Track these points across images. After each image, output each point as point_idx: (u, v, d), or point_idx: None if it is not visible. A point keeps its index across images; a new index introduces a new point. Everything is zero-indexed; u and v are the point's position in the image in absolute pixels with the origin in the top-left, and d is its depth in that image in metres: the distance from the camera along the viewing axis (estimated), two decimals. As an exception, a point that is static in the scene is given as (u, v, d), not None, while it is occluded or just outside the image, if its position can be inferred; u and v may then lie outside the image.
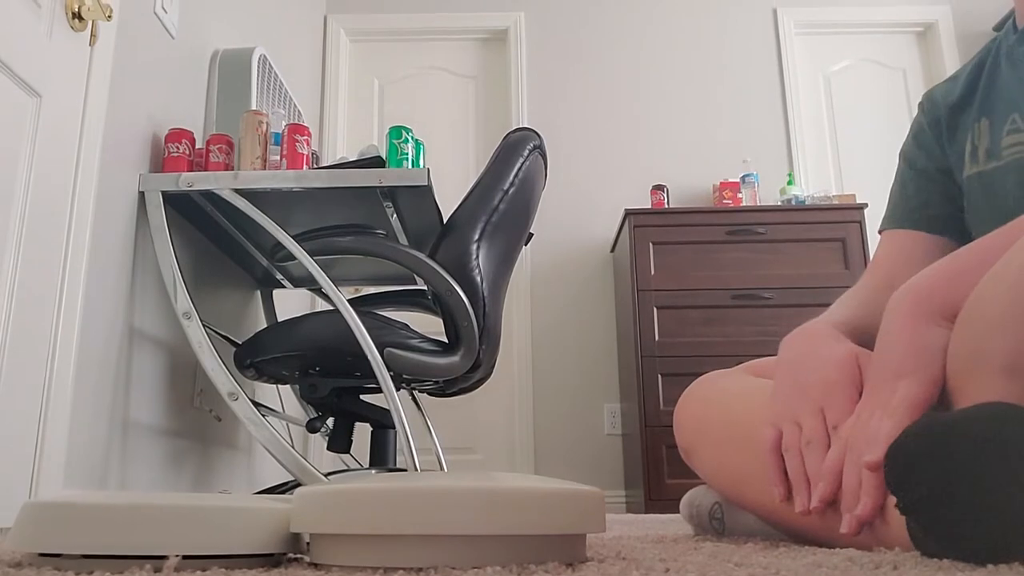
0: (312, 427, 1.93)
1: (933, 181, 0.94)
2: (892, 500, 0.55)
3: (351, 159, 1.90)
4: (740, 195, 3.40)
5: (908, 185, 0.97)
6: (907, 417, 0.58)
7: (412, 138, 1.90)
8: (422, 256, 1.74)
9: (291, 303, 2.95)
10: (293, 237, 1.76)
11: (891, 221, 0.98)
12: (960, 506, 0.44)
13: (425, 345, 1.77)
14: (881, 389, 0.63)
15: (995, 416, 0.45)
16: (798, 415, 0.69)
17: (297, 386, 2.20)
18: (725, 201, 3.39)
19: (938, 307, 0.62)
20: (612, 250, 3.57)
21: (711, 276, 3.04)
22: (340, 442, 1.96)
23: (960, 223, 0.91)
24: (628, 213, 3.14)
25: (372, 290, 2.70)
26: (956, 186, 0.92)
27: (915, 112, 1.01)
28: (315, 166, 1.98)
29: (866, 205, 3.13)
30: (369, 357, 1.67)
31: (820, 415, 0.68)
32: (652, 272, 3.05)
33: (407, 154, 1.88)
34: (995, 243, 0.62)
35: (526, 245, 2.15)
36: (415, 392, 2.24)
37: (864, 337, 0.79)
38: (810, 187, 3.65)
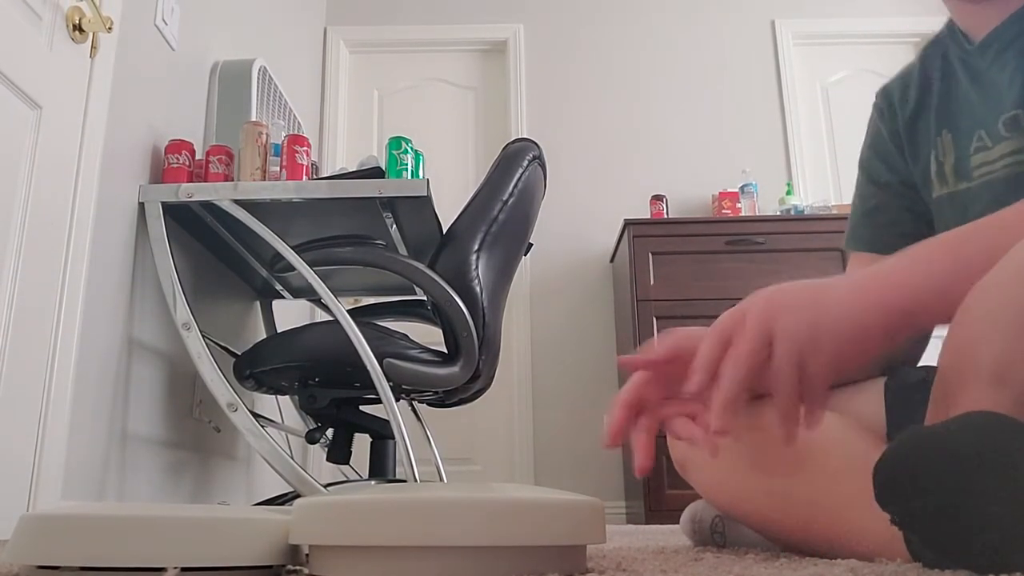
0: (311, 438, 1.93)
1: (899, 196, 0.89)
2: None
3: (351, 170, 1.91)
4: (739, 205, 3.41)
5: (869, 200, 0.92)
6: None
7: (411, 149, 1.91)
8: (421, 266, 1.74)
9: (290, 314, 2.95)
10: (292, 248, 1.76)
11: (859, 242, 0.92)
12: (954, 519, 0.43)
13: (424, 355, 1.77)
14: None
15: (980, 427, 0.45)
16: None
17: (296, 397, 2.19)
18: (724, 211, 3.39)
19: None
20: (611, 260, 3.58)
21: (711, 286, 3.04)
22: (339, 453, 1.95)
23: None
24: (627, 223, 3.14)
25: (371, 300, 2.70)
26: (922, 202, 0.88)
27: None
28: (315, 177, 1.98)
29: (865, 215, 3.13)
30: (368, 368, 1.67)
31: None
32: (652, 282, 3.06)
33: (406, 165, 1.89)
34: (975, 243, 0.58)
35: (525, 255, 2.15)
36: (414, 403, 2.23)
37: None
38: (809, 197, 3.66)
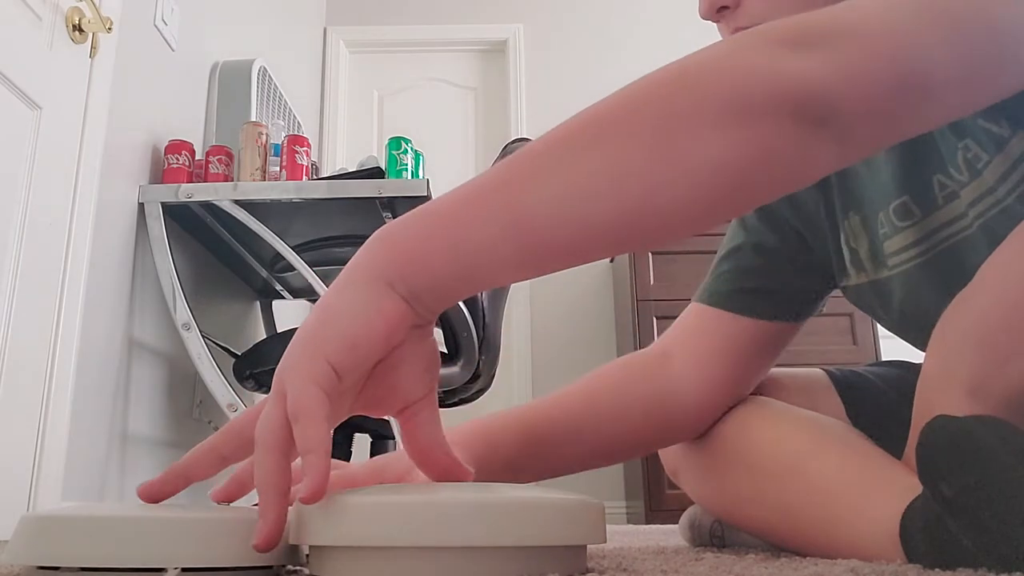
0: (311, 438, 1.93)
1: (791, 261, 0.81)
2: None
3: (350, 170, 1.91)
4: (739, 205, 3.41)
5: (754, 261, 0.82)
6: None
7: (411, 149, 1.91)
8: (422, 267, 1.74)
9: (290, 314, 2.95)
10: (292, 248, 1.76)
11: (722, 299, 0.83)
12: (1013, 494, 0.43)
13: (425, 356, 1.77)
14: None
15: (1000, 426, 0.45)
16: None
17: (296, 397, 2.19)
18: (724, 211, 3.39)
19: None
20: (611, 260, 3.58)
21: (711, 286, 3.04)
22: (339, 453, 1.95)
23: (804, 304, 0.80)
24: (627, 223, 3.14)
25: (371, 301, 2.70)
26: (814, 257, 0.80)
27: None
28: (314, 177, 1.98)
29: (865, 215, 3.13)
30: (368, 368, 1.67)
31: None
32: (651, 282, 3.05)
33: (406, 165, 1.89)
34: None
35: (525, 255, 2.15)
36: (415, 403, 2.23)
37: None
38: (809, 197, 3.67)
